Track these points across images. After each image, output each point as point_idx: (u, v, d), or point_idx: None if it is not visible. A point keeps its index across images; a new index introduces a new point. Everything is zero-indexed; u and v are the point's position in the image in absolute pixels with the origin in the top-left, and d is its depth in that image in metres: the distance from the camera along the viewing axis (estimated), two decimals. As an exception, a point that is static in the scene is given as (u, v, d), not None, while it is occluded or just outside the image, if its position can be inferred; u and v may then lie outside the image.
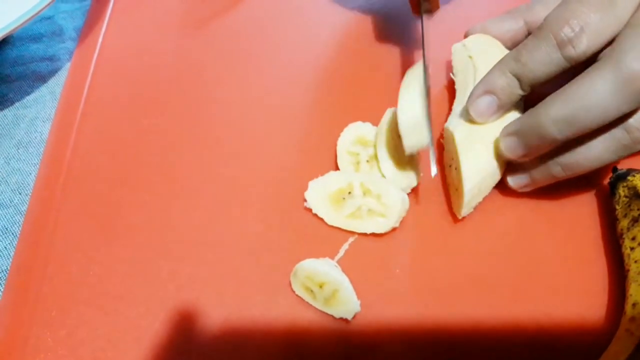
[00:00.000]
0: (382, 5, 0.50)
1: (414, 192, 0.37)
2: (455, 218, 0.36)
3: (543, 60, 0.33)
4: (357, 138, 0.39)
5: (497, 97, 0.35)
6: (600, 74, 0.31)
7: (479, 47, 0.39)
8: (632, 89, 0.30)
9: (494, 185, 0.36)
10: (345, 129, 0.39)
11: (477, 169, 0.35)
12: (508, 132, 0.34)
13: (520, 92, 0.34)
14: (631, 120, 0.32)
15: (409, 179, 0.37)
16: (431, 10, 0.41)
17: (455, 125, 0.36)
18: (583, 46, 0.31)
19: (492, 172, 0.35)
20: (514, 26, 0.39)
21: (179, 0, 0.51)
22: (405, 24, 0.48)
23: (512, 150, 0.34)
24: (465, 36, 0.41)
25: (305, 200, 0.36)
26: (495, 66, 0.35)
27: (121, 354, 0.31)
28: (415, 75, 0.35)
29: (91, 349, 0.31)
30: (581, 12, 0.32)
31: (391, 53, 0.46)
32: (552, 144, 0.33)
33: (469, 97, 0.35)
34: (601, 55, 0.32)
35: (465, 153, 0.34)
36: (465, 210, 0.35)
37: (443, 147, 0.39)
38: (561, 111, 0.31)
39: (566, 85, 0.32)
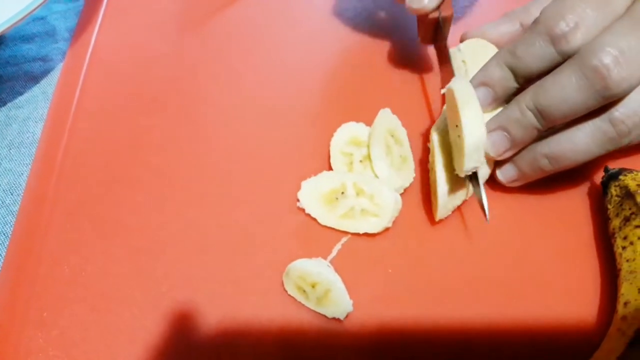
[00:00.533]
0: (377, 6, 0.50)
1: (407, 193, 0.37)
2: (450, 216, 0.36)
3: (537, 54, 0.33)
4: (351, 138, 0.39)
5: (493, 89, 0.35)
6: (569, 70, 0.32)
7: (472, 52, 0.39)
8: (597, 85, 0.31)
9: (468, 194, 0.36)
10: (339, 129, 0.39)
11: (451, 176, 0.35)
12: (491, 127, 0.35)
13: (515, 85, 0.35)
14: (616, 113, 0.32)
15: (402, 179, 0.37)
16: (446, 18, 0.40)
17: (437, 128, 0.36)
18: (577, 41, 0.32)
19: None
20: (511, 29, 0.39)
21: (173, 0, 0.51)
22: (401, 24, 0.48)
23: (497, 145, 0.35)
24: (461, 40, 0.41)
25: (298, 200, 0.36)
26: (492, 58, 0.35)
27: (114, 354, 0.31)
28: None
29: (83, 349, 0.31)
30: (577, 7, 0.32)
31: (385, 53, 0.46)
32: (535, 133, 0.34)
33: None
34: (578, 50, 0.32)
35: (439, 157, 0.35)
36: (440, 212, 0.35)
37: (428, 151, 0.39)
38: (536, 102, 0.33)
39: (544, 78, 0.33)
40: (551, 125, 0.33)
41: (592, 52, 0.31)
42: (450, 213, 0.36)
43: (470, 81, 0.36)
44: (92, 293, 0.33)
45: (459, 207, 0.37)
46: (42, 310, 0.32)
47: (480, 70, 0.36)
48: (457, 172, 0.34)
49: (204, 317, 0.32)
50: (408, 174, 0.37)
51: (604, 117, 0.32)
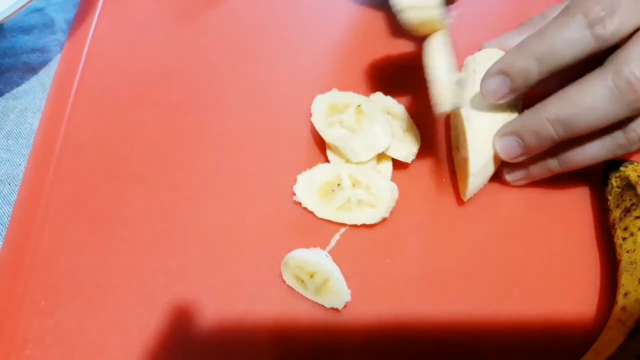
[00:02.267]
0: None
1: (404, 183, 0.37)
2: (449, 207, 0.36)
3: (571, 39, 0.31)
4: (329, 107, 0.38)
5: (512, 78, 0.33)
6: (601, 79, 0.30)
7: (485, 61, 0.37)
8: (629, 97, 0.30)
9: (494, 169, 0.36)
10: (313, 107, 0.38)
11: (483, 153, 0.35)
12: (505, 132, 0.34)
13: (537, 78, 0.32)
14: (630, 123, 0.32)
15: (408, 147, 0.37)
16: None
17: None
18: (614, 26, 0.30)
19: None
20: None
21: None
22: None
23: (509, 150, 0.34)
24: (480, 49, 0.40)
25: (294, 194, 0.36)
26: (517, 46, 0.33)
27: (110, 345, 0.31)
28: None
29: (79, 340, 0.31)
30: None
31: (392, 47, 0.46)
32: (550, 144, 0.33)
33: (484, 75, 0.34)
34: (608, 59, 0.31)
35: (473, 137, 0.35)
36: (469, 192, 0.35)
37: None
38: (560, 112, 0.31)
39: (568, 87, 0.32)
40: (571, 137, 0.32)
41: (625, 63, 0.30)
42: (476, 192, 0.36)
43: (489, 69, 0.34)
44: (88, 284, 0.33)
45: (460, 199, 0.36)
46: (38, 300, 0.32)
47: (502, 58, 0.34)
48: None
49: (201, 308, 0.32)
50: (414, 142, 0.38)
51: (618, 125, 0.32)
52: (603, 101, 0.30)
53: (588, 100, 0.31)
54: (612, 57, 0.31)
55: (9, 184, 0.39)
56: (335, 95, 0.39)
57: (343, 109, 0.38)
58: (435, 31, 0.34)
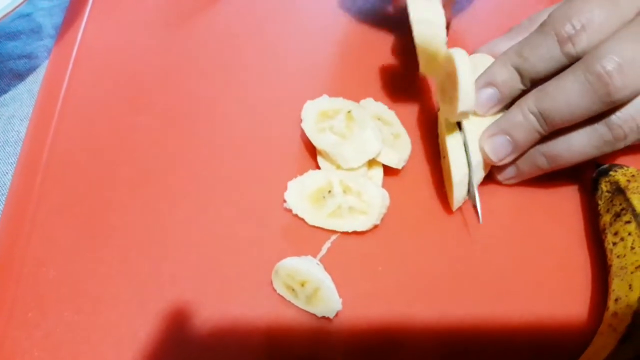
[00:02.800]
0: (375, 4, 0.50)
1: (395, 191, 0.37)
2: (439, 212, 0.36)
3: (543, 55, 0.33)
4: (319, 114, 0.38)
5: (499, 89, 0.35)
6: (573, 75, 0.32)
7: (473, 67, 0.36)
8: (600, 90, 0.31)
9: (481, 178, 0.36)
10: (303, 114, 0.38)
11: (463, 162, 0.35)
12: (492, 132, 0.35)
13: (521, 87, 0.35)
14: (613, 117, 0.32)
15: (400, 152, 0.37)
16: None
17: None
18: (583, 44, 0.32)
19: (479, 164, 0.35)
20: None
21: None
22: (400, 27, 0.48)
23: (499, 149, 0.35)
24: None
25: (285, 201, 0.36)
26: (498, 59, 0.35)
27: (100, 356, 0.31)
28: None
29: (69, 351, 0.31)
30: (584, 10, 0.32)
31: (383, 53, 0.45)
32: (537, 137, 0.34)
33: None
34: (583, 57, 0.32)
35: (453, 147, 0.35)
36: (456, 201, 0.35)
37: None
38: (539, 105, 0.33)
39: (547, 82, 0.33)
40: (553, 129, 0.33)
41: (596, 58, 0.31)
42: (463, 202, 0.36)
43: (476, 82, 0.35)
44: (78, 294, 0.33)
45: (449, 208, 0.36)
46: (26, 311, 0.32)
47: (486, 70, 0.35)
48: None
49: (191, 316, 0.32)
50: (404, 147, 0.38)
51: (602, 120, 0.33)
52: (576, 95, 0.31)
53: (563, 94, 0.32)
54: (586, 54, 0.32)
55: (-4, 193, 0.38)
56: (325, 101, 0.39)
57: (333, 115, 0.37)
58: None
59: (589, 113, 0.32)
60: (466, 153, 0.35)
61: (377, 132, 0.37)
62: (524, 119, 0.33)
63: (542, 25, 0.34)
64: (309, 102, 0.39)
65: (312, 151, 0.38)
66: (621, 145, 0.33)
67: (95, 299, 0.32)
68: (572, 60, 0.33)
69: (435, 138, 0.39)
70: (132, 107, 0.41)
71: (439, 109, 0.38)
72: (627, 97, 0.31)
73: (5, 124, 0.42)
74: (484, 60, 0.37)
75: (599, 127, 0.33)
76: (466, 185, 0.35)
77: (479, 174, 0.36)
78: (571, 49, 0.32)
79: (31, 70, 0.46)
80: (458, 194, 0.35)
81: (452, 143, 0.35)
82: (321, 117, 0.38)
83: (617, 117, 0.32)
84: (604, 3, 0.32)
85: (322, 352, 0.31)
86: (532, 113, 0.33)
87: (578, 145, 0.33)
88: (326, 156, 0.37)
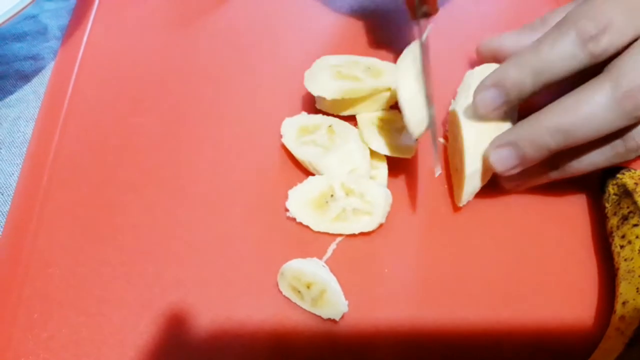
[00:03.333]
0: (373, 4, 0.50)
1: (397, 192, 0.37)
2: (446, 214, 0.36)
3: (564, 54, 0.31)
4: (299, 130, 0.38)
5: (507, 91, 0.33)
6: (600, 88, 0.30)
7: (480, 76, 0.36)
8: (628, 106, 0.30)
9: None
10: (283, 130, 0.39)
11: (478, 157, 0.34)
12: (500, 143, 0.33)
13: (531, 90, 0.32)
14: (629, 132, 0.32)
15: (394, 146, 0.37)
16: (429, 14, 0.39)
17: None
18: (606, 44, 0.30)
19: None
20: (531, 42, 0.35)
21: (165, -1, 0.51)
22: (397, 24, 0.48)
23: (504, 162, 0.33)
24: (477, 50, 0.40)
25: (287, 210, 0.35)
26: (511, 58, 0.33)
27: (104, 357, 0.31)
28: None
29: (74, 352, 0.31)
30: (606, 10, 0.31)
31: (382, 53, 0.46)
32: (547, 154, 0.32)
33: (478, 86, 0.34)
34: (605, 68, 0.31)
35: (469, 141, 0.34)
36: (464, 196, 0.35)
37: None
38: (559, 121, 0.31)
39: (565, 96, 0.32)
40: (570, 146, 0.32)
41: (622, 72, 0.30)
42: (471, 198, 0.36)
43: (483, 81, 0.34)
44: (83, 295, 0.33)
45: (456, 206, 0.36)
46: (31, 313, 0.32)
47: (497, 69, 0.33)
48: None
49: (196, 318, 0.32)
50: (410, 139, 0.36)
51: (618, 134, 0.32)
52: (602, 110, 0.30)
53: (586, 109, 0.30)
54: (610, 66, 0.31)
55: (2, 194, 0.38)
56: (304, 117, 0.39)
57: (314, 130, 0.38)
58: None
59: (612, 129, 0.31)
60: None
61: (362, 146, 0.37)
62: (537, 135, 0.32)
63: (560, 24, 0.32)
64: (287, 120, 0.39)
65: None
66: (633, 156, 0.33)
67: (100, 301, 0.32)
68: (593, 61, 0.31)
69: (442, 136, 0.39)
70: (137, 108, 0.42)
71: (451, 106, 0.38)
72: None
73: (11, 125, 0.42)
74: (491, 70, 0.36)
75: (613, 141, 0.32)
76: (478, 180, 0.35)
77: (475, 183, 0.35)
78: (594, 48, 0.30)
79: (37, 71, 0.46)
80: (468, 188, 0.35)
81: (468, 135, 0.34)
82: (301, 132, 0.38)
83: (634, 131, 0.31)
84: (624, 6, 0.31)
85: (327, 355, 0.31)
86: (548, 129, 0.31)
87: (590, 157, 0.33)
88: (309, 166, 0.37)
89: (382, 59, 0.41)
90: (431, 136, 0.34)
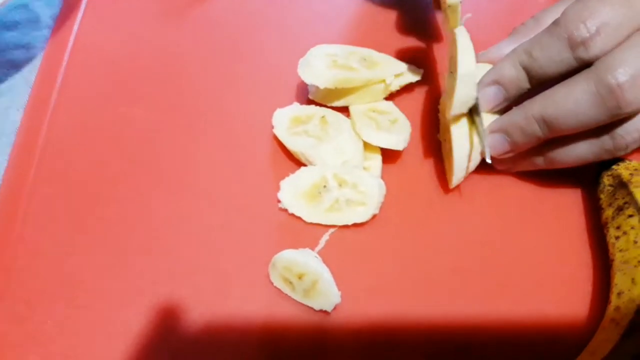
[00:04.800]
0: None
1: (391, 182, 0.36)
2: (440, 206, 0.36)
3: (554, 58, 0.32)
4: (292, 120, 0.38)
5: (505, 88, 0.34)
6: (585, 83, 0.31)
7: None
8: (610, 103, 0.30)
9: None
10: (274, 121, 0.38)
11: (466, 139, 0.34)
12: (493, 129, 0.34)
13: (528, 86, 0.34)
14: (618, 128, 0.32)
15: (397, 135, 0.36)
16: None
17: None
18: (596, 49, 0.31)
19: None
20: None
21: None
22: (415, 12, 0.47)
23: (497, 147, 0.34)
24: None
25: (279, 202, 0.35)
26: (506, 57, 0.34)
27: (93, 351, 0.30)
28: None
29: (61, 345, 0.30)
30: (600, 11, 0.31)
31: (384, 47, 0.45)
32: (536, 142, 0.33)
33: (479, 84, 0.35)
34: (594, 63, 0.31)
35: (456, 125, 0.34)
36: (455, 176, 0.35)
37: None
38: (544, 111, 0.32)
39: (555, 87, 0.32)
40: (554, 136, 0.33)
41: (608, 69, 0.30)
42: (463, 179, 0.35)
43: (482, 79, 0.35)
44: (71, 287, 0.32)
45: (447, 194, 0.36)
46: (17, 304, 0.31)
47: (494, 68, 0.35)
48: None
49: (187, 311, 0.32)
50: (403, 129, 0.37)
51: (606, 130, 0.32)
52: (585, 105, 0.31)
53: (571, 103, 0.31)
54: (598, 62, 0.31)
55: (-9, 184, 0.38)
56: (297, 108, 0.39)
57: (307, 120, 0.37)
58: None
59: (596, 123, 0.31)
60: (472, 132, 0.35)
61: (354, 136, 0.36)
62: (526, 123, 0.33)
63: (554, 25, 0.32)
64: (278, 110, 0.39)
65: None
66: (621, 154, 0.33)
67: (88, 293, 0.32)
68: (583, 65, 0.31)
69: (435, 123, 0.39)
70: (128, 98, 0.41)
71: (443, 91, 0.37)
72: (635, 111, 0.31)
73: (1, 114, 0.41)
74: (484, 70, 0.36)
75: (601, 137, 0.32)
76: (466, 162, 0.35)
77: (474, 159, 0.35)
78: (583, 53, 0.31)
79: (28, 60, 0.45)
80: (458, 166, 0.34)
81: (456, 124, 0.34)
82: (293, 123, 0.37)
83: (622, 128, 0.32)
84: (620, 6, 0.31)
85: (320, 346, 0.31)
86: (535, 118, 0.32)
87: (577, 151, 0.33)
88: (302, 157, 0.36)
89: (381, 50, 0.40)
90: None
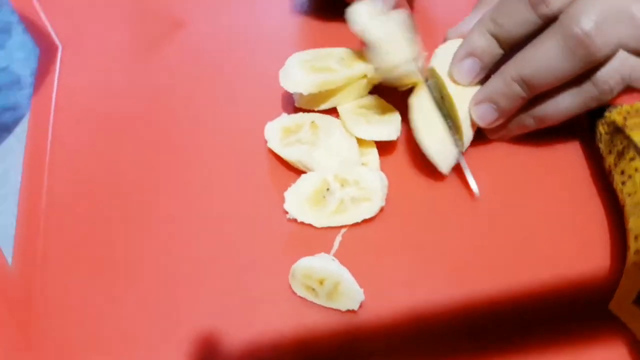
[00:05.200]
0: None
1: (393, 173, 0.37)
2: (444, 187, 0.36)
3: (518, 20, 0.33)
4: (283, 131, 0.38)
5: (480, 58, 0.34)
6: (553, 38, 0.31)
7: (444, 56, 0.37)
8: (580, 52, 0.30)
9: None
10: (266, 133, 0.38)
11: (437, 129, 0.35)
12: (478, 99, 0.35)
13: (501, 52, 0.34)
14: (598, 74, 0.32)
15: (388, 127, 0.36)
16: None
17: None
18: (557, 3, 0.31)
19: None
20: None
21: (124, 27, 0.50)
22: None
23: (486, 116, 0.35)
24: (447, 39, 0.40)
25: (286, 213, 0.35)
26: (474, 27, 0.35)
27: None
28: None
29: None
30: None
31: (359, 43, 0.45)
32: (522, 103, 0.34)
33: (452, 60, 0.35)
34: (559, 17, 0.31)
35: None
36: (445, 168, 0.35)
37: None
38: (520, 72, 0.32)
39: (525, 48, 0.33)
40: (536, 93, 0.33)
41: (572, 19, 0.30)
42: (453, 164, 0.36)
43: (455, 54, 0.35)
44: (99, 335, 0.32)
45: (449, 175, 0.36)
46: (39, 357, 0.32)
47: (465, 41, 0.35)
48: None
49: (216, 338, 0.32)
50: (394, 119, 0.37)
51: (587, 78, 0.32)
52: (558, 59, 0.31)
53: (544, 60, 0.31)
54: (562, 15, 0.31)
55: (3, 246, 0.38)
56: (286, 119, 0.39)
57: (297, 129, 0.38)
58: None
59: (572, 74, 0.32)
60: (447, 119, 0.35)
61: (346, 134, 0.37)
62: (507, 86, 0.33)
63: None
64: (269, 124, 0.39)
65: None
66: (608, 98, 0.33)
67: (117, 340, 0.32)
68: (548, 21, 0.32)
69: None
70: (119, 141, 0.41)
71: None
72: (608, 54, 0.31)
73: (1, 178, 0.42)
74: (453, 46, 0.37)
75: (584, 85, 0.32)
76: (445, 150, 0.35)
77: (467, 135, 0.36)
78: (545, 10, 0.31)
79: (17, 120, 0.46)
80: (440, 162, 0.35)
81: (419, 111, 0.35)
82: (285, 133, 0.38)
83: (601, 74, 0.32)
84: None
85: (353, 345, 0.31)
86: (514, 80, 0.33)
87: (565, 104, 0.33)
88: (298, 165, 0.37)
89: (357, 47, 0.40)
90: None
